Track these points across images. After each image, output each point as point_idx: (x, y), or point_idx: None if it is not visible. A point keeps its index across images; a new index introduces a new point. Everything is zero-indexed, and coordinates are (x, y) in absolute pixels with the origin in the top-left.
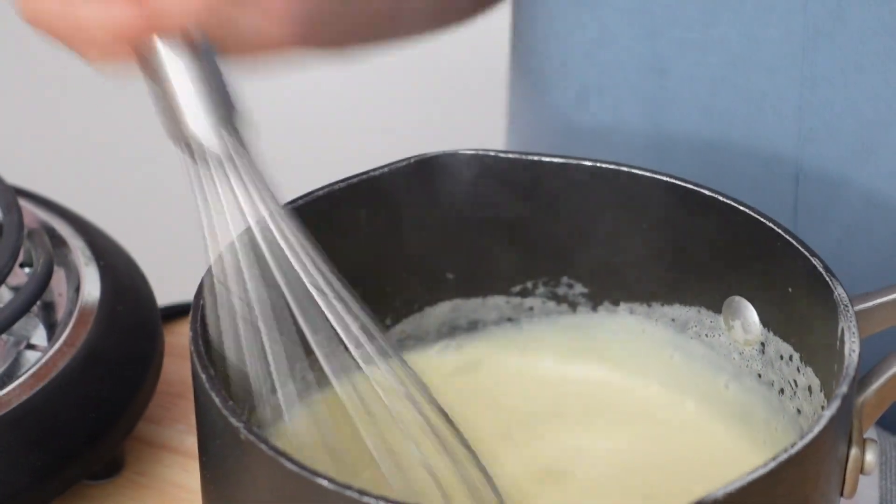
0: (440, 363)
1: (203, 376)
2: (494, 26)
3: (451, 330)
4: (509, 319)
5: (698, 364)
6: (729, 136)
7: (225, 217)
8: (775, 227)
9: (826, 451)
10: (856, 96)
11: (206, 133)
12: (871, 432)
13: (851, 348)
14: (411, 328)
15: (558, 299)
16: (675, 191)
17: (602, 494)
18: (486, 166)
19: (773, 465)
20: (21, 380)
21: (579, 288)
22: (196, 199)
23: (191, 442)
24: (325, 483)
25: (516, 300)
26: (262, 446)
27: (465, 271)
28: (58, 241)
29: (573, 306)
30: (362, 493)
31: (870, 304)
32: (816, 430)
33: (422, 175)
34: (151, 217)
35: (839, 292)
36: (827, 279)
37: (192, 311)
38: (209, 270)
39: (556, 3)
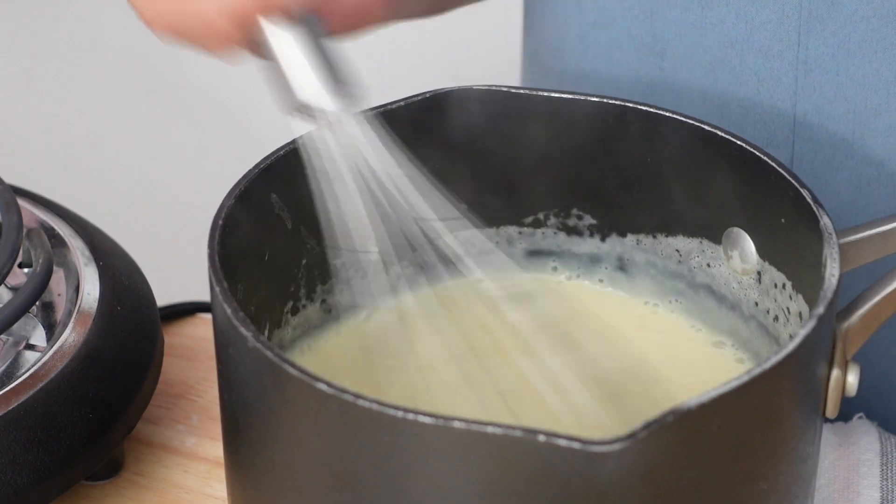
0: (456, 287)
1: (217, 289)
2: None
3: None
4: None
5: (701, 292)
6: (726, 120)
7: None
8: (769, 161)
9: (802, 369)
10: (846, 82)
11: (315, 98)
12: (871, 429)
13: (831, 272)
14: (424, 259)
15: (568, 230)
16: (679, 126)
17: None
18: (499, 101)
19: (746, 378)
20: (20, 380)
21: (588, 219)
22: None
23: (191, 442)
24: (323, 387)
25: (528, 230)
26: (267, 353)
27: (478, 202)
28: (57, 242)
29: (582, 236)
30: (357, 396)
31: (857, 236)
32: (791, 346)
33: (437, 109)
34: (151, 217)
35: (825, 221)
36: (814, 209)
37: (210, 230)
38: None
39: None
